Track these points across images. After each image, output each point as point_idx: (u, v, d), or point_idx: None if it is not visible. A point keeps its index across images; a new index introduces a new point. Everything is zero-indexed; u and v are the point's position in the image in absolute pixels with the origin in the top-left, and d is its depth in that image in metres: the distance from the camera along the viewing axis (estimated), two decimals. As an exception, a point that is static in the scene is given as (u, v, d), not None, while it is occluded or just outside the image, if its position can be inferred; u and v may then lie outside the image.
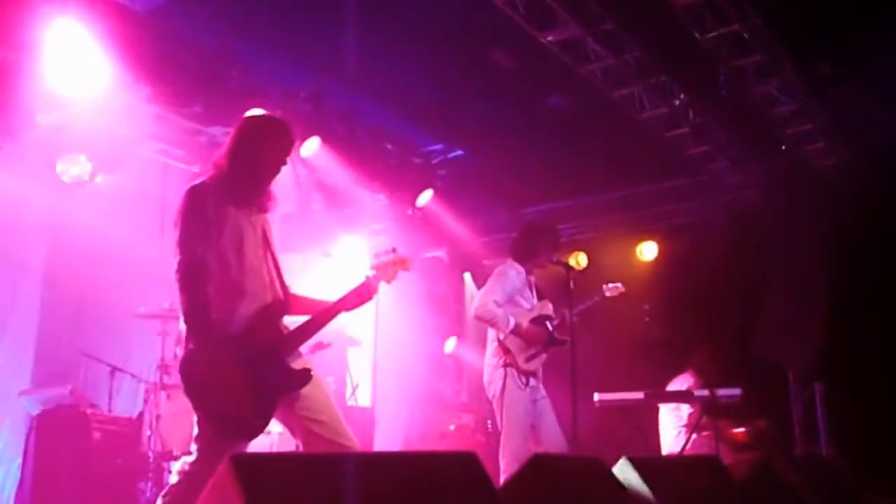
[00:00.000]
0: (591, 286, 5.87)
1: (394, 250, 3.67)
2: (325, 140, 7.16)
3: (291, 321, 3.52)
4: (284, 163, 3.52)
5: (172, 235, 3.32)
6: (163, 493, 3.26)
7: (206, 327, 3.20)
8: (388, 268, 3.63)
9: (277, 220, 3.66)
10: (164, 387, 5.91)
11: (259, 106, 6.57)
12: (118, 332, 6.74)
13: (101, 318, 6.79)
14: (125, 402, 6.26)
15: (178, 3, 5.97)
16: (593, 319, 5.94)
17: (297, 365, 3.37)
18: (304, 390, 3.34)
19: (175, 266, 3.26)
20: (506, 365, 5.17)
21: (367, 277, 3.58)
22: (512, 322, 5.19)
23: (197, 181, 3.45)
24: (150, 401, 5.90)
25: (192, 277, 3.24)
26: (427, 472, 2.33)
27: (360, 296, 3.54)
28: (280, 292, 3.47)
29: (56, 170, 6.44)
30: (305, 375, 3.34)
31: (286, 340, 3.41)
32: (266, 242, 3.50)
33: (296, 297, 3.58)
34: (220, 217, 3.34)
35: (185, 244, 3.27)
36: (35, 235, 6.61)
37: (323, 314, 3.51)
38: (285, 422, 3.42)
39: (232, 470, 1.85)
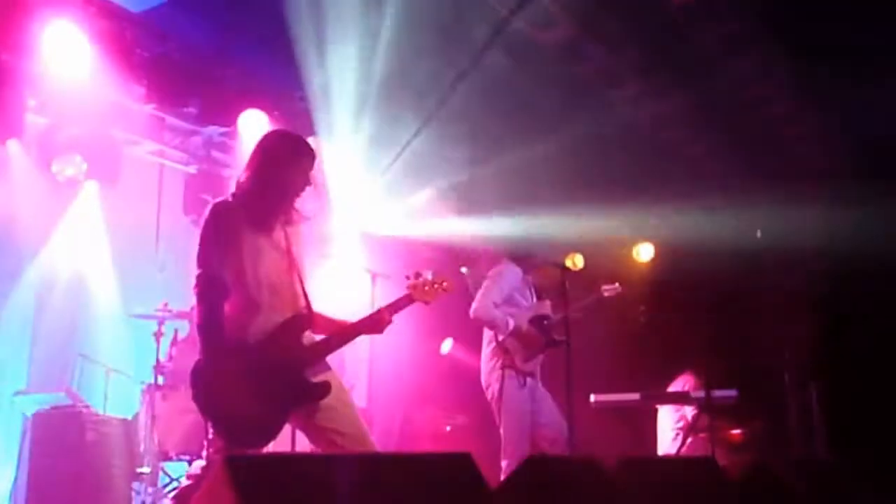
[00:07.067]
0: (588, 287, 5.88)
1: (417, 275, 3.69)
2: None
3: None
4: (309, 183, 3.54)
5: (195, 249, 3.41)
6: (173, 493, 3.31)
7: (217, 341, 3.28)
8: (426, 287, 3.63)
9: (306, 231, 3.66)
10: (159, 388, 5.90)
11: (255, 106, 6.58)
12: (114, 332, 6.72)
13: (97, 319, 6.77)
14: (120, 403, 6.23)
15: (173, 4, 5.96)
16: (590, 320, 5.94)
17: (317, 378, 3.39)
18: (325, 402, 3.38)
19: (194, 280, 3.36)
20: (504, 366, 5.15)
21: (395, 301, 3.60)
22: (511, 324, 5.18)
23: (221, 198, 3.52)
24: (146, 402, 5.89)
25: (209, 292, 3.32)
26: (422, 473, 2.32)
27: (374, 323, 3.56)
28: (304, 308, 3.49)
29: (51, 170, 6.42)
30: (322, 389, 3.36)
31: (304, 354, 3.43)
32: (290, 258, 3.51)
33: (319, 315, 3.59)
34: (241, 235, 3.40)
35: (204, 259, 3.37)
36: (31, 236, 6.58)
37: (344, 332, 3.54)
38: (306, 432, 3.46)
39: (226, 470, 1.84)
